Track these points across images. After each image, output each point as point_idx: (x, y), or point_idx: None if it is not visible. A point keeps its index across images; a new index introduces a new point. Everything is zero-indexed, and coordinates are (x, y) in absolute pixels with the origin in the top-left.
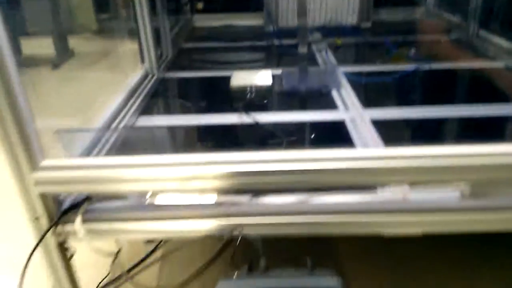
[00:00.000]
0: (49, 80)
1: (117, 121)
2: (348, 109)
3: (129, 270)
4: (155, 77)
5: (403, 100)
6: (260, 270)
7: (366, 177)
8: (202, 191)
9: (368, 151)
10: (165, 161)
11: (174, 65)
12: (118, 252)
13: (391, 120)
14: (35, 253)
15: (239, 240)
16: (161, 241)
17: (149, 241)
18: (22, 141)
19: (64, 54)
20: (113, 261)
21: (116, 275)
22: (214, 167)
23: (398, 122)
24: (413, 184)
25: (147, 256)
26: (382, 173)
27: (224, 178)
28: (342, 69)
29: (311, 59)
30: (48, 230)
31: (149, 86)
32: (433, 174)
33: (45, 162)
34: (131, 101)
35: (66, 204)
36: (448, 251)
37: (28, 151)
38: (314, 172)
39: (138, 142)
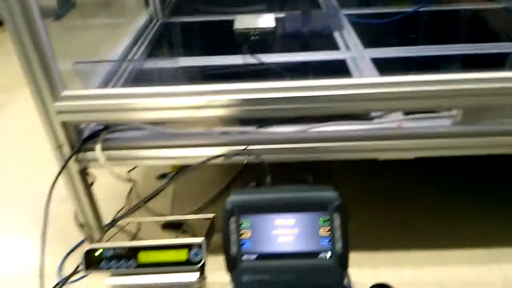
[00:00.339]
0: (53, 30)
1: (124, 65)
2: (350, 49)
3: (145, 201)
4: (159, 22)
5: (403, 40)
6: (267, 185)
7: (362, 104)
8: (211, 121)
9: (363, 79)
10: (177, 90)
11: (178, 10)
12: (132, 187)
13: (391, 58)
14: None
15: (245, 164)
16: (172, 176)
17: (161, 177)
18: (44, 73)
19: (65, 5)
20: (128, 195)
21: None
22: (222, 96)
23: (397, 60)
24: (407, 112)
25: (160, 189)
26: (377, 99)
27: (231, 106)
28: (344, 12)
29: (314, 3)
30: (70, 157)
31: (154, 30)
32: (426, 100)
33: (66, 93)
34: (137, 45)
35: (86, 133)
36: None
37: (50, 82)
38: (313, 100)
39: (148, 80)
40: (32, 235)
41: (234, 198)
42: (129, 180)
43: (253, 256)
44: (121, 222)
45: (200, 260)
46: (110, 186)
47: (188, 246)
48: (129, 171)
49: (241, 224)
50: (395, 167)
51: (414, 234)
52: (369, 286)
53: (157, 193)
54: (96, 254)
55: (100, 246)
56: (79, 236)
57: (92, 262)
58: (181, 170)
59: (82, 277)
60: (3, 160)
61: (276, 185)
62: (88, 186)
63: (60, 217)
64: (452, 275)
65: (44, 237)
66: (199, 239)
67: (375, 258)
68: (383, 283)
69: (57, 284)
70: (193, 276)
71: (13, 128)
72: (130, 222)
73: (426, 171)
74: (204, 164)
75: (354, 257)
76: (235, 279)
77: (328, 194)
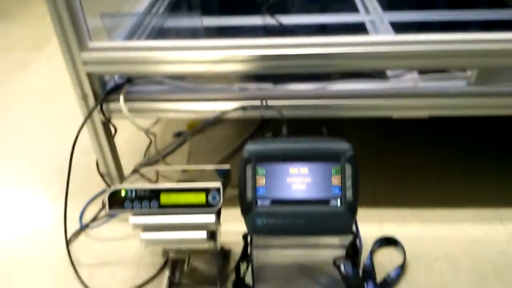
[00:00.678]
0: None
1: (147, 19)
2: (369, 12)
3: (163, 155)
4: None
5: (423, 4)
6: (283, 136)
7: (378, 62)
8: (230, 76)
9: (379, 37)
10: (197, 44)
11: None
12: (150, 143)
13: (409, 22)
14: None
15: (262, 117)
16: (189, 134)
17: (177, 135)
18: (72, 24)
19: None
20: (146, 151)
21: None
22: (241, 51)
23: (415, 24)
24: (422, 72)
25: (179, 144)
26: (392, 57)
27: (250, 62)
28: None
29: None
30: (96, 106)
31: None
32: (441, 59)
33: (92, 44)
34: (157, 5)
35: (109, 85)
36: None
37: (77, 33)
38: (329, 56)
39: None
40: (55, 186)
41: (251, 147)
42: (150, 132)
43: (267, 202)
44: (141, 170)
45: (218, 203)
46: (129, 142)
47: (207, 190)
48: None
49: (257, 171)
50: (408, 127)
51: (422, 193)
52: (376, 239)
53: (176, 148)
54: (120, 195)
55: (124, 187)
56: (99, 186)
57: (116, 202)
58: (197, 127)
59: (102, 223)
60: (28, 115)
61: (291, 137)
62: (110, 136)
63: (81, 169)
64: (457, 231)
65: (67, 185)
66: (217, 184)
67: (382, 214)
68: (389, 236)
69: (78, 229)
70: (211, 218)
71: (38, 85)
72: (150, 170)
73: (438, 133)
74: (223, 117)
75: (362, 212)
76: (250, 222)
77: (341, 145)
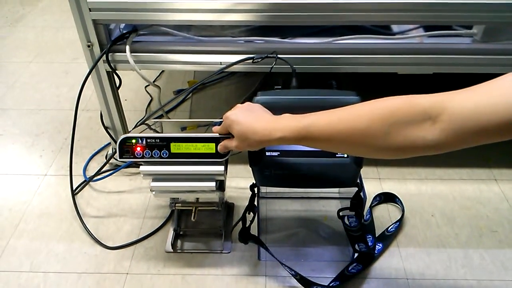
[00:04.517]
0: None
1: None
2: None
3: (166, 112)
4: None
5: None
6: (292, 88)
7: (383, 15)
8: (237, 26)
9: None
10: None
11: None
12: (150, 100)
13: None
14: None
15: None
16: (191, 91)
17: (178, 92)
18: None
19: None
20: (148, 108)
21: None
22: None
23: None
24: (428, 29)
25: (179, 102)
26: (397, 10)
27: (257, 12)
28: None
29: None
30: (102, 55)
31: None
32: (446, 13)
33: None
34: None
35: (115, 35)
36: None
37: None
38: (334, 7)
39: None
40: (57, 138)
41: (261, 98)
42: (155, 85)
43: (276, 153)
44: (148, 122)
45: (226, 154)
46: (130, 100)
47: (216, 140)
48: (146, 86)
49: None
50: (411, 85)
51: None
52: (375, 194)
53: (177, 105)
54: (131, 143)
55: (135, 136)
56: (102, 141)
57: (126, 151)
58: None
59: (106, 176)
60: (26, 70)
61: (300, 89)
62: (115, 88)
63: (83, 124)
64: (453, 189)
65: (73, 133)
66: (227, 134)
67: (381, 172)
68: (388, 192)
69: (83, 182)
70: (220, 168)
71: (34, 39)
72: (157, 122)
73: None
74: (230, 69)
75: (361, 171)
76: (258, 172)
77: (351, 97)
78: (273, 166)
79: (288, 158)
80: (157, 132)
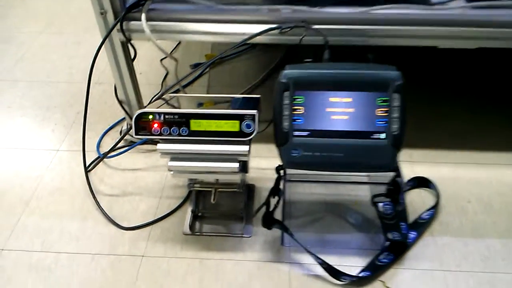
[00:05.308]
0: None
1: None
2: None
3: (183, 87)
4: None
5: None
6: (324, 61)
7: None
8: None
9: None
10: None
11: None
12: (166, 74)
13: None
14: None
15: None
16: (209, 65)
17: (195, 66)
18: None
19: None
20: (163, 82)
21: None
22: None
23: None
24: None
25: (196, 78)
26: None
27: None
28: None
29: None
30: (116, 24)
31: None
32: None
33: None
34: None
35: (130, 1)
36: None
37: None
38: None
39: None
40: (69, 112)
41: (290, 72)
42: (173, 57)
43: (305, 133)
44: (165, 97)
45: (252, 132)
46: (145, 73)
47: (241, 118)
48: (162, 59)
49: (295, 99)
50: (452, 61)
51: (454, 134)
52: (408, 179)
53: (194, 80)
54: (148, 119)
55: (152, 111)
56: (116, 116)
57: (142, 127)
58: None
59: (121, 152)
60: (36, 42)
61: (334, 62)
62: (130, 59)
63: (96, 98)
64: (491, 174)
65: (85, 112)
66: (252, 111)
67: (413, 155)
68: (422, 176)
69: (96, 158)
70: (244, 148)
71: (43, 11)
72: (175, 96)
73: (480, 70)
74: (253, 40)
75: None
76: (285, 153)
77: (390, 73)
78: (302, 147)
79: (318, 138)
80: (175, 107)
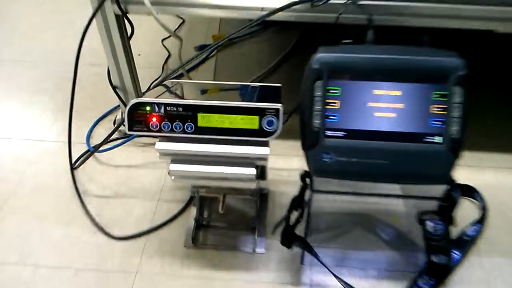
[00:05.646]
0: None
1: None
2: None
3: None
4: None
5: None
6: (367, 43)
7: None
8: None
9: None
10: None
11: None
12: (168, 57)
13: None
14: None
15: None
16: (216, 47)
17: (200, 48)
18: None
19: None
20: (164, 65)
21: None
22: None
23: None
24: None
25: (201, 62)
26: None
27: None
28: None
29: None
30: None
31: None
32: None
33: None
34: None
35: None
36: None
37: None
38: None
39: None
40: (58, 96)
41: (324, 56)
42: (177, 36)
43: (341, 133)
44: (167, 82)
45: (274, 132)
46: (145, 55)
47: (261, 112)
48: (164, 39)
49: (329, 90)
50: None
51: (502, 137)
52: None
53: (199, 64)
54: (145, 110)
55: (150, 101)
56: (110, 103)
57: (137, 121)
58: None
59: (115, 146)
60: (27, 20)
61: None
62: (125, 37)
63: (89, 81)
64: None
65: (72, 97)
66: (276, 104)
67: None
68: (465, 184)
69: (85, 152)
70: (263, 150)
71: None
72: (177, 83)
73: None
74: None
75: None
76: (314, 158)
77: (451, 60)
78: (336, 151)
79: (357, 140)
80: (178, 96)
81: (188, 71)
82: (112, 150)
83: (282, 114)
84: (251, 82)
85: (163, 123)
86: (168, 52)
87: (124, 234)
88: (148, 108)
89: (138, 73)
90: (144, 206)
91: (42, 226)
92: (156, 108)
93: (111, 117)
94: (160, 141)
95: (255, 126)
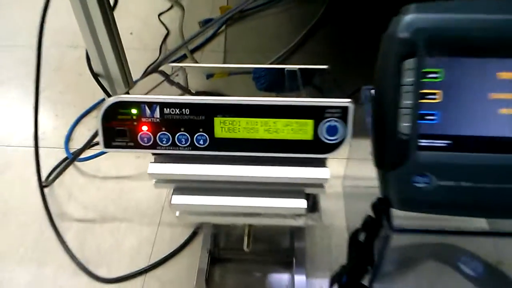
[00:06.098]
0: None
1: None
2: None
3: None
4: None
5: None
6: None
7: None
8: None
9: None
10: None
11: None
12: (166, 34)
13: None
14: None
15: None
16: (225, 21)
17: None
18: None
19: None
20: (162, 45)
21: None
22: None
23: None
24: None
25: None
26: None
27: None
28: None
29: None
30: None
31: None
32: None
33: None
34: None
35: None
36: None
37: None
38: None
39: None
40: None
41: (418, 17)
42: (179, 5)
43: (443, 142)
44: (164, 68)
45: (339, 143)
46: (138, 33)
47: (319, 113)
48: (161, 14)
49: (427, 74)
50: None
51: None
52: None
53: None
54: (129, 113)
55: (138, 99)
56: (95, 96)
57: (118, 131)
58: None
59: (101, 153)
60: None
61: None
62: (107, 7)
63: (69, 67)
64: None
65: (37, 89)
66: (342, 100)
67: None
68: None
69: (64, 160)
70: (320, 172)
71: None
72: (178, 68)
73: None
74: None
75: None
76: (399, 182)
77: None
78: (436, 171)
79: (471, 154)
80: (181, 88)
81: (192, 51)
82: (97, 158)
83: (353, 116)
84: (269, 64)
85: (159, 134)
86: (167, 29)
87: (114, 275)
88: (134, 110)
89: (128, 56)
90: (140, 233)
91: (5, 264)
92: (147, 110)
93: (96, 114)
94: (155, 161)
95: (308, 135)
